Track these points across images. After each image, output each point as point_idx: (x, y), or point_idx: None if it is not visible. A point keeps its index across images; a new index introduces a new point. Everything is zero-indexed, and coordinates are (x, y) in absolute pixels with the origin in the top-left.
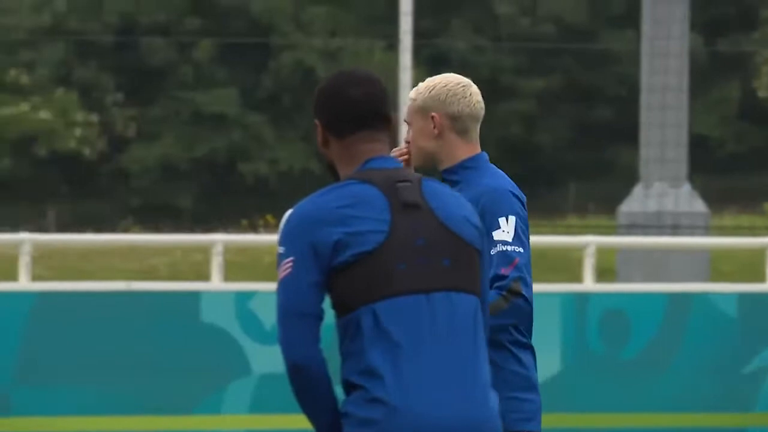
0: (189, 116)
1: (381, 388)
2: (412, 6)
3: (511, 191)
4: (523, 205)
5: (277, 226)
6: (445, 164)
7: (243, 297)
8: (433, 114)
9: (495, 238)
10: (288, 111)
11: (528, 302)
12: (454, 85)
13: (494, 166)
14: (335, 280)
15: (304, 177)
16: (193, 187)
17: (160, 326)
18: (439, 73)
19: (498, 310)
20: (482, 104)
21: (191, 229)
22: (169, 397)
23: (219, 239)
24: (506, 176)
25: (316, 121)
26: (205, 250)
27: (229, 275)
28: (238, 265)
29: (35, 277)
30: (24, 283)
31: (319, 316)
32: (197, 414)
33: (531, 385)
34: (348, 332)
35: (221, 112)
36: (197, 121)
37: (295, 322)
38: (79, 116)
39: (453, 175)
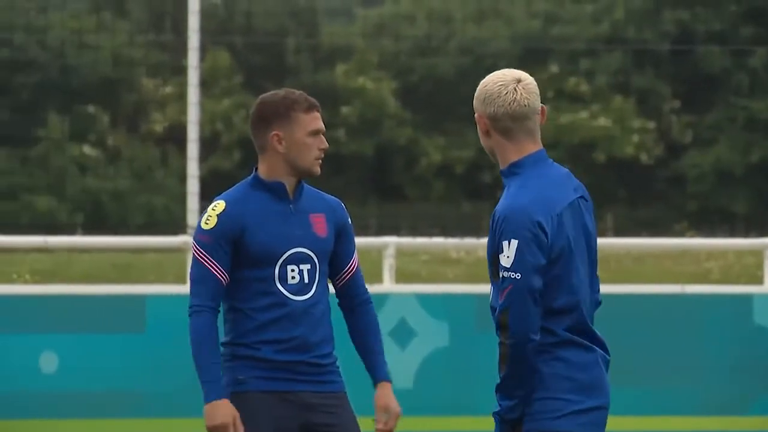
0: (744, 123)
1: None
2: None
3: (526, 209)
4: (542, 225)
5: None
6: (500, 165)
7: None
8: (477, 114)
9: (500, 261)
10: None
11: (516, 336)
12: (492, 84)
13: (541, 169)
14: None
15: None
16: (748, 192)
17: (713, 328)
18: None
19: (505, 361)
20: (523, 102)
21: (745, 233)
22: (723, 397)
23: None
24: (550, 181)
25: None
26: (758, 254)
27: None
28: None
29: None
30: None
31: None
32: (751, 415)
33: (575, 387)
34: None
35: None
36: (752, 128)
37: None
38: (637, 123)
39: (504, 179)
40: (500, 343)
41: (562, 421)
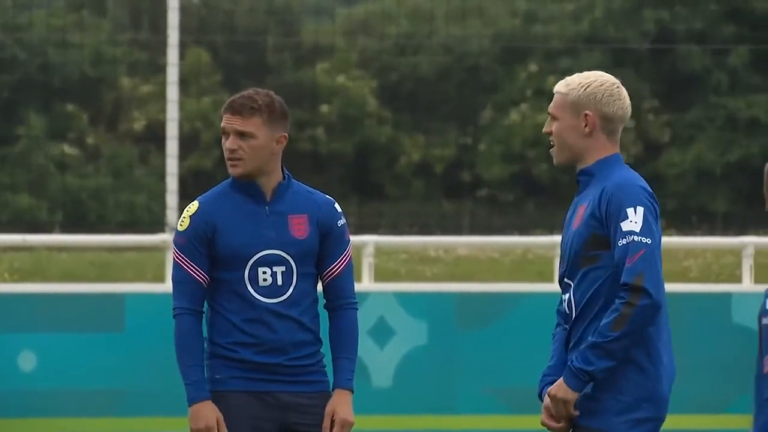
0: (723, 122)
1: None
2: None
3: (641, 186)
4: (655, 202)
5: None
6: (587, 163)
7: None
8: (587, 112)
9: (623, 228)
10: None
11: (653, 298)
12: (610, 85)
13: (627, 166)
14: None
15: None
16: (727, 191)
17: (692, 327)
18: None
19: (625, 322)
20: (629, 108)
21: (724, 232)
22: (702, 396)
23: (750, 242)
24: (638, 175)
25: None
26: (737, 253)
27: (759, 277)
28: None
29: None
30: None
31: None
32: (729, 413)
33: (641, 395)
34: None
35: (755, 118)
36: (731, 127)
37: None
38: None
39: (585, 175)
40: (625, 303)
41: (621, 426)
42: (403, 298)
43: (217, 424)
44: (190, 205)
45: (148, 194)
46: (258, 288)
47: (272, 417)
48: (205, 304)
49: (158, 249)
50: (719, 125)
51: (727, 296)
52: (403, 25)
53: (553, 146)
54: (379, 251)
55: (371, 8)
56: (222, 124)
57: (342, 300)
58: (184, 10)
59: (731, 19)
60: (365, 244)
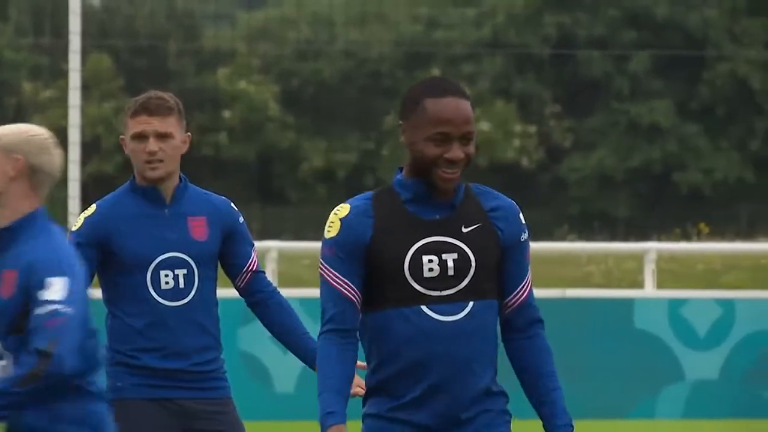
0: (625, 127)
1: None
2: None
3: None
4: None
5: (710, 234)
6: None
7: (676, 304)
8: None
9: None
10: (722, 121)
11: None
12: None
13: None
14: None
15: (738, 186)
16: (629, 197)
17: (595, 332)
18: None
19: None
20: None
21: (626, 238)
22: (604, 401)
23: (652, 247)
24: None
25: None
26: (639, 258)
27: (661, 282)
28: (670, 272)
29: None
30: None
31: None
32: (631, 418)
33: None
34: None
35: (657, 123)
36: (633, 132)
37: None
38: (518, 127)
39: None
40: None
41: None
42: (307, 303)
43: None
44: (89, 207)
45: (49, 200)
46: (160, 291)
47: (175, 424)
48: (105, 310)
49: None
50: (621, 131)
51: (629, 302)
52: (304, 31)
53: None
54: (283, 257)
55: (271, 14)
56: (139, 128)
57: (268, 288)
58: (85, 15)
59: (632, 25)
60: (269, 249)
